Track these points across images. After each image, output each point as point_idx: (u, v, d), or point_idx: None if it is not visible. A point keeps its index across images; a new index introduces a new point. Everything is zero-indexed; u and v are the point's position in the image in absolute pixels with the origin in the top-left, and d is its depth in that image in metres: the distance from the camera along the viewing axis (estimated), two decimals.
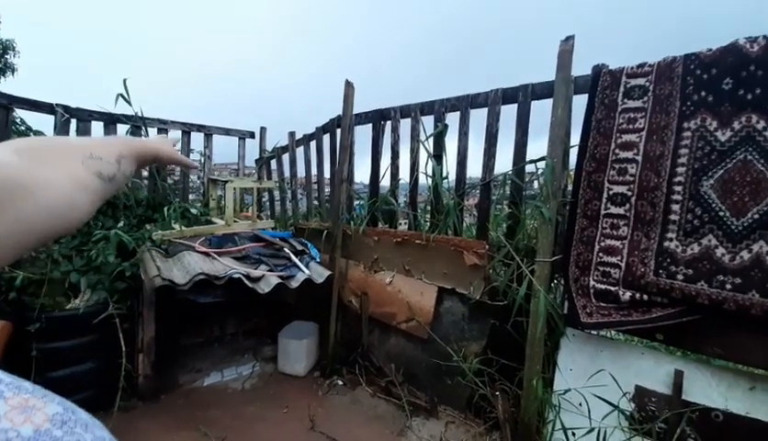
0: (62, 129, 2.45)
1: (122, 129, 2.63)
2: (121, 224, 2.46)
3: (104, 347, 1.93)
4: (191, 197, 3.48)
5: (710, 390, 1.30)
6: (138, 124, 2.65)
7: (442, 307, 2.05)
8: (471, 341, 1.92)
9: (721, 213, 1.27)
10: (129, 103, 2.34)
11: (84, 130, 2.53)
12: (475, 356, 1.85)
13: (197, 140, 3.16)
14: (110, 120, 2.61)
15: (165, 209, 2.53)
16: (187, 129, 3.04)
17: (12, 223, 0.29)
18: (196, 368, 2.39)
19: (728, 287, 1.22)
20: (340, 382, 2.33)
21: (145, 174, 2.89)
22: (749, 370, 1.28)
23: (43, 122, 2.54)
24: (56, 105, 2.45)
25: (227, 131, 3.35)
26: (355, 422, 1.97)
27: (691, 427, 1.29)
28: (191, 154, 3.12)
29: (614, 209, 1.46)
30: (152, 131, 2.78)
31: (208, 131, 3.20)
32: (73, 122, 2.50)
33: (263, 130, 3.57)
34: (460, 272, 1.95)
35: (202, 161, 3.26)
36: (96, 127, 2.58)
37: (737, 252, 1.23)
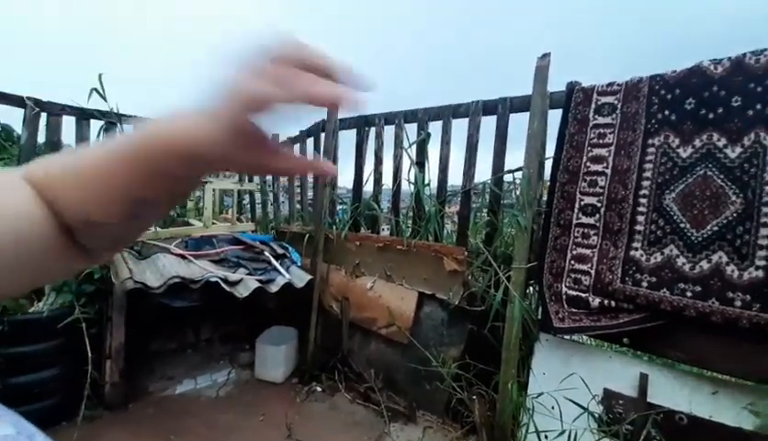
0: (31, 122, 2.34)
1: (96, 124, 2.53)
2: None
3: (70, 353, 1.84)
4: None
5: (674, 393, 1.37)
6: (113, 120, 2.56)
7: (422, 312, 2.07)
8: (450, 346, 1.94)
9: (682, 225, 1.35)
10: (104, 98, 2.26)
11: (54, 124, 2.42)
12: (453, 361, 1.87)
13: None
14: (83, 116, 2.51)
15: None
16: None
17: None
18: (168, 376, 2.31)
19: (689, 294, 1.30)
20: (319, 389, 2.30)
21: None
22: (712, 375, 1.35)
23: (10, 114, 2.42)
24: (26, 98, 2.34)
25: None
26: (334, 429, 1.95)
27: (656, 429, 1.35)
28: None
29: (585, 219, 1.53)
30: (129, 128, 2.70)
31: None
32: (44, 116, 2.40)
33: None
34: (440, 278, 1.98)
35: None
36: (68, 121, 2.47)
37: (696, 261, 1.31)
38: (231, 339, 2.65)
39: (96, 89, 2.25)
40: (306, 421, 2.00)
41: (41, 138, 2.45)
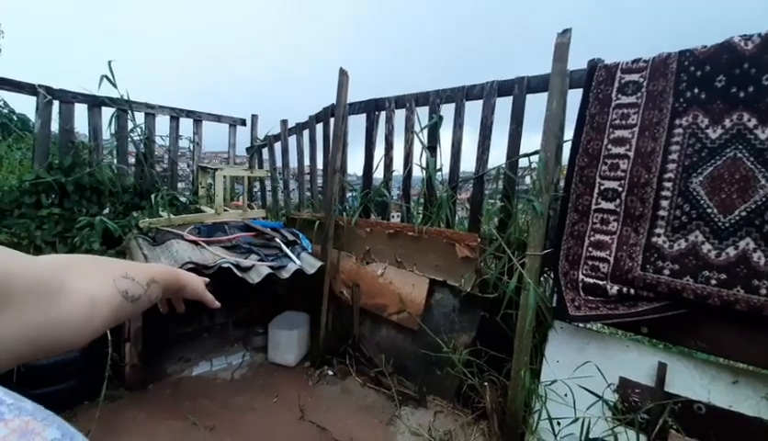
0: (44, 111, 2.37)
1: (107, 112, 2.54)
2: (107, 211, 2.41)
3: None
4: (180, 185, 3.41)
5: (693, 382, 1.33)
6: (123, 107, 2.57)
7: (433, 299, 2.06)
8: (461, 332, 1.94)
9: (709, 210, 1.28)
10: (114, 85, 2.26)
11: (66, 112, 2.44)
12: (464, 348, 1.86)
13: (186, 126, 3.08)
14: (94, 103, 2.52)
15: (153, 196, 2.47)
16: (176, 114, 2.96)
17: (22, 327, 0.28)
18: (184, 358, 2.37)
19: (714, 282, 1.25)
20: (330, 372, 2.33)
21: (132, 160, 2.82)
22: (731, 364, 1.31)
23: (26, 104, 2.45)
24: (38, 86, 2.35)
25: (218, 118, 3.28)
26: (345, 411, 1.98)
27: (673, 418, 1.32)
28: (180, 141, 3.05)
29: (604, 204, 1.47)
30: (139, 116, 2.70)
31: (197, 117, 3.12)
32: (56, 104, 2.42)
33: (254, 117, 3.50)
34: (452, 264, 1.96)
35: (191, 147, 3.19)
36: (80, 109, 2.49)
37: (723, 248, 1.25)
38: (244, 323, 2.70)
39: (106, 76, 2.24)
40: (318, 403, 2.04)
41: (54, 126, 2.47)
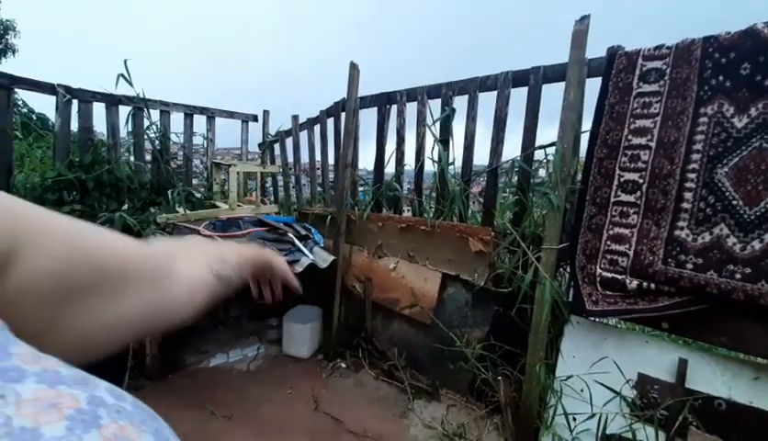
0: (63, 110, 2.43)
1: (124, 110, 2.59)
2: (126, 207, 2.47)
3: None
4: (194, 181, 3.47)
5: (714, 379, 1.30)
6: (140, 105, 2.61)
7: (446, 293, 2.06)
8: (474, 327, 1.93)
9: (734, 202, 1.24)
10: (130, 83, 2.30)
11: (85, 111, 2.50)
12: (478, 342, 1.86)
13: (199, 123, 3.12)
14: (112, 101, 2.57)
15: (169, 192, 2.52)
16: (190, 111, 3.00)
17: (139, 306, 0.31)
18: (202, 350, 2.43)
19: (738, 276, 1.21)
20: (343, 365, 2.36)
21: (149, 157, 2.88)
22: (753, 360, 1.28)
23: (44, 103, 2.52)
24: (57, 85, 2.41)
25: (230, 114, 3.31)
26: (359, 403, 2.01)
27: (693, 415, 1.30)
28: (194, 138, 3.09)
29: (624, 197, 1.43)
30: (155, 113, 2.75)
31: (210, 114, 3.16)
32: (75, 103, 2.47)
33: (266, 113, 3.52)
34: (465, 258, 1.95)
35: (205, 144, 3.23)
36: (98, 107, 2.55)
37: (748, 241, 1.21)
38: (258, 317, 2.75)
39: (122, 75, 2.28)
40: (332, 395, 2.06)
41: (74, 125, 2.53)
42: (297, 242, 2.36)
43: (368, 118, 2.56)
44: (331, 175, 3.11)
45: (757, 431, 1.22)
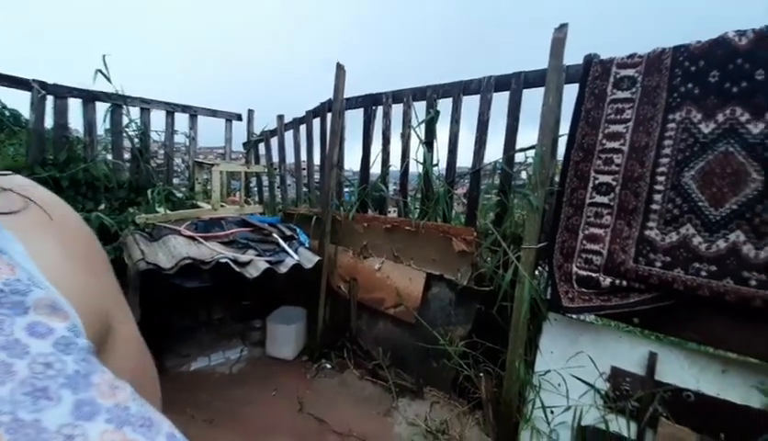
0: (38, 105, 2.34)
1: (102, 107, 2.52)
2: (102, 207, 2.40)
3: None
4: (175, 180, 3.40)
5: (682, 371, 1.37)
6: (118, 102, 2.55)
7: (430, 292, 2.08)
8: (457, 325, 1.96)
9: (700, 203, 1.31)
10: (108, 79, 2.25)
11: (61, 107, 2.42)
12: (460, 340, 1.89)
13: (181, 122, 3.06)
14: (89, 98, 2.50)
15: (149, 191, 2.47)
16: (171, 109, 2.94)
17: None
18: (182, 353, 2.38)
19: (704, 274, 1.28)
20: (328, 366, 2.36)
21: (128, 156, 2.80)
22: (721, 354, 1.34)
23: (18, 99, 2.42)
24: (33, 81, 2.33)
25: (213, 113, 3.26)
26: (343, 403, 2.01)
27: (663, 406, 1.36)
28: (175, 136, 3.03)
29: (598, 198, 1.49)
30: (134, 110, 2.68)
31: (193, 112, 3.10)
32: (50, 99, 2.39)
33: (250, 112, 3.48)
34: (449, 258, 1.98)
35: (187, 143, 3.17)
36: (75, 104, 2.47)
37: (713, 241, 1.28)
38: (242, 318, 2.72)
39: (100, 70, 2.22)
40: (316, 395, 2.06)
41: (48, 122, 2.45)
42: (282, 242, 2.35)
43: (354, 119, 2.57)
44: (316, 176, 3.10)
45: (725, 422, 1.28)
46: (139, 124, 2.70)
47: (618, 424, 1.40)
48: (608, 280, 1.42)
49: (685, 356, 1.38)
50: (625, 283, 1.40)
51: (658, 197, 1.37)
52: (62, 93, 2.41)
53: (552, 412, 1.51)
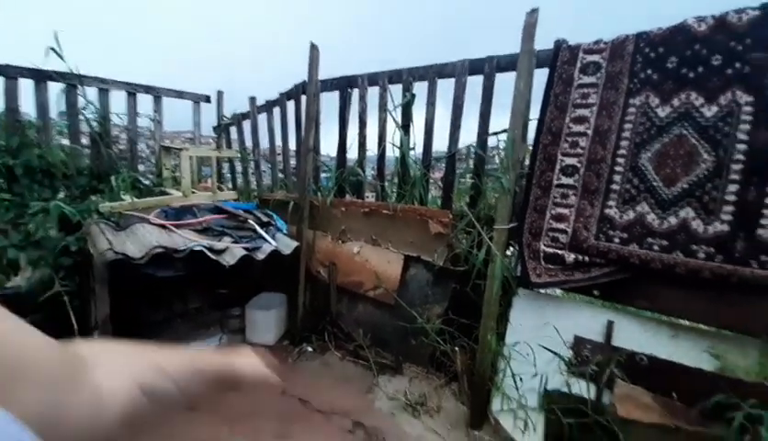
0: None
1: (55, 87, 2.33)
2: (61, 195, 2.26)
3: (53, 326, 1.82)
4: (141, 167, 3.23)
5: (637, 337, 1.50)
6: (73, 82, 2.37)
7: (408, 274, 2.14)
8: (434, 304, 2.04)
9: (655, 183, 1.41)
10: (61, 57, 2.07)
11: (11, 89, 2.22)
12: (437, 318, 1.97)
13: (145, 104, 2.89)
14: (41, 77, 2.30)
15: (113, 178, 2.34)
16: (133, 90, 2.76)
17: (32, 405, 0.25)
18: (159, 344, 2.34)
19: (656, 248, 1.39)
20: (309, 349, 2.39)
21: (86, 141, 2.63)
22: (672, 321, 1.47)
23: None
24: None
25: (180, 94, 3.09)
26: (325, 384, 2.06)
27: (619, 369, 1.49)
28: (139, 119, 2.86)
29: (564, 180, 1.57)
30: (91, 91, 2.50)
31: (156, 94, 2.93)
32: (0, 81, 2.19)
33: (220, 94, 3.33)
34: (426, 240, 2.03)
35: (151, 127, 3.01)
36: (26, 84, 2.27)
37: (665, 217, 1.39)
38: (220, 306, 2.68)
39: (52, 48, 2.05)
40: (299, 378, 2.10)
41: None
42: (258, 228, 2.32)
43: (330, 101, 2.52)
44: (292, 161, 3.04)
45: (677, 382, 1.40)
46: (97, 106, 2.53)
47: (580, 387, 1.53)
48: (572, 256, 1.52)
49: (639, 323, 1.51)
50: (587, 259, 1.50)
51: (618, 177, 1.46)
52: (11, 73, 2.21)
53: (521, 380, 1.62)
